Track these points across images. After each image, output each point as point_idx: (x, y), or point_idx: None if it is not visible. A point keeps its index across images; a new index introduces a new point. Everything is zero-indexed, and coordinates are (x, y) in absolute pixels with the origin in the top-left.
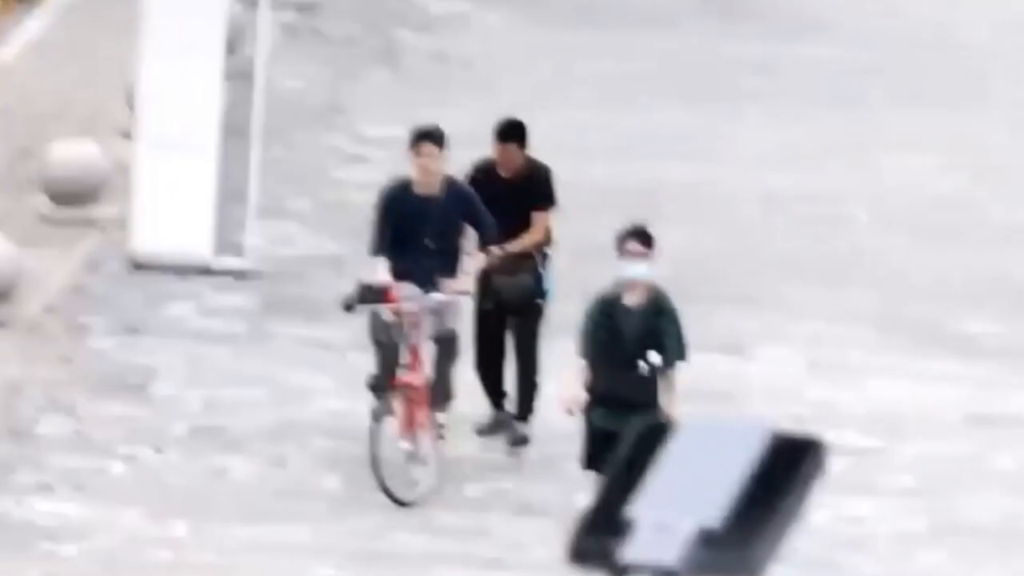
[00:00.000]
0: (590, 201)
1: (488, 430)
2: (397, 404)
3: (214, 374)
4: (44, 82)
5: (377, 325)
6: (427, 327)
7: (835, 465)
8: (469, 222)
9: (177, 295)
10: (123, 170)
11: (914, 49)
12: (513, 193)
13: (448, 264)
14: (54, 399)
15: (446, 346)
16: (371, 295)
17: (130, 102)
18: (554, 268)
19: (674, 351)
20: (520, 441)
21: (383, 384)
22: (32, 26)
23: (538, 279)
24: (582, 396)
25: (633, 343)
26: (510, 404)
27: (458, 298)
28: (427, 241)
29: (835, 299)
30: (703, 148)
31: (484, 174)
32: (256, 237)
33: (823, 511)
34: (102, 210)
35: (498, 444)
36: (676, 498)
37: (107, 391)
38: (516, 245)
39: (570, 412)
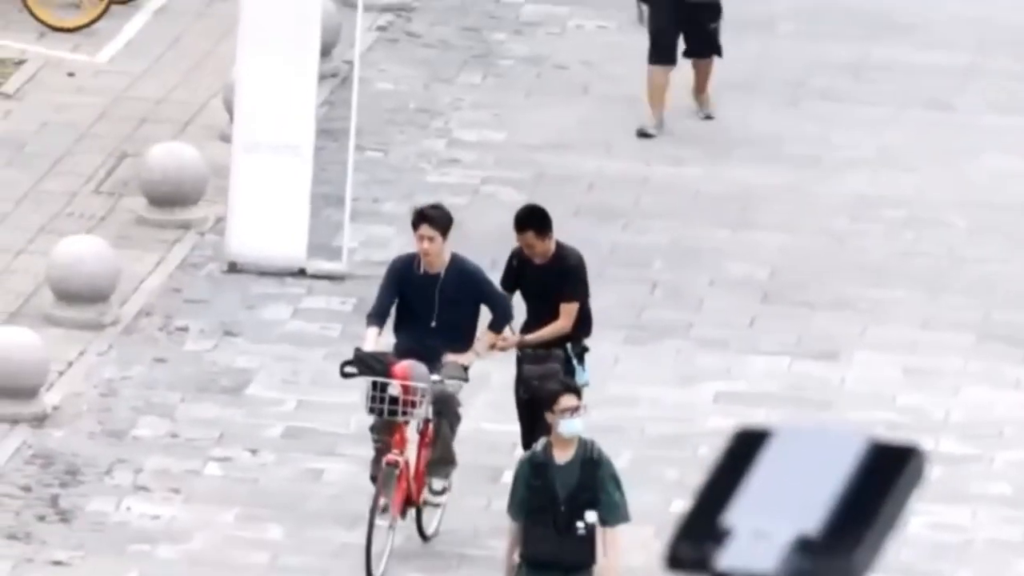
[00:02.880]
0: (682, 205)
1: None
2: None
3: (309, 376)
4: (141, 85)
5: (377, 398)
6: (426, 408)
7: (932, 473)
8: (481, 302)
9: (272, 298)
10: (219, 172)
11: (1010, 51)
12: (543, 280)
13: (454, 343)
14: (150, 401)
15: (446, 408)
16: (375, 366)
17: (227, 104)
18: (588, 362)
19: (615, 511)
20: None
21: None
22: (129, 28)
23: (569, 371)
24: (515, 563)
25: (568, 502)
26: None
27: (460, 370)
28: (430, 320)
29: (931, 305)
30: (796, 152)
31: (519, 260)
32: (351, 240)
33: (920, 519)
34: (198, 212)
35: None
36: (774, 505)
37: (203, 393)
38: (535, 335)
39: None
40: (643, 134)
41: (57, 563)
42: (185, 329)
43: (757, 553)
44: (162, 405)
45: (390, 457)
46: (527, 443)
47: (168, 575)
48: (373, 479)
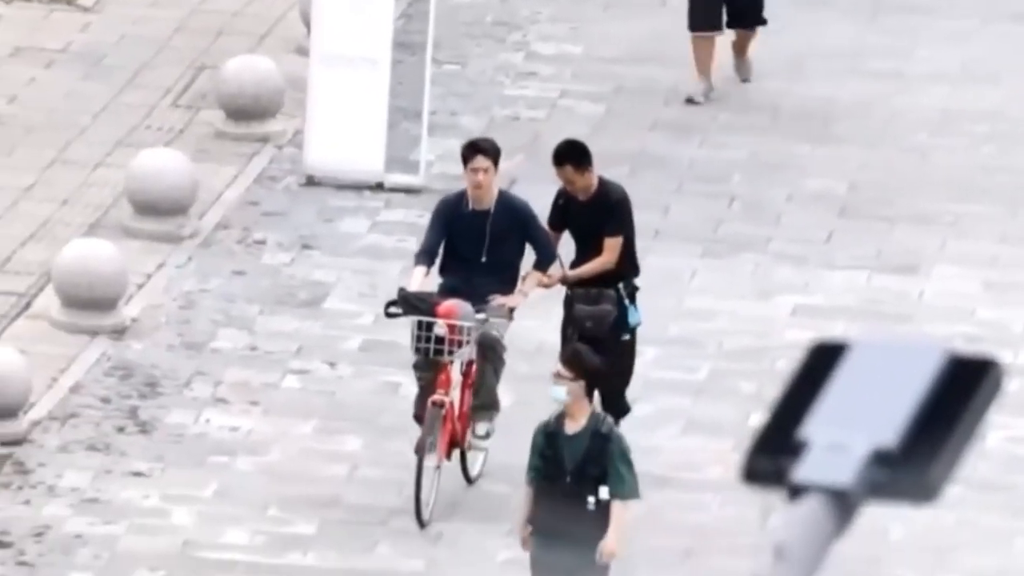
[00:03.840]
0: (760, 120)
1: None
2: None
3: (386, 290)
4: None
5: (422, 338)
6: (471, 348)
7: (1010, 386)
8: (525, 239)
9: (349, 211)
10: (297, 85)
11: None
12: (587, 217)
13: (502, 281)
14: (228, 313)
15: (491, 352)
16: (420, 305)
17: (304, 17)
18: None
19: (622, 485)
20: None
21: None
22: None
23: (622, 312)
24: (526, 531)
25: (575, 474)
26: None
27: (506, 311)
28: (479, 257)
29: (1012, 220)
30: (877, 65)
31: (564, 198)
32: (428, 153)
33: (997, 432)
34: (276, 125)
35: (672, 357)
36: (851, 418)
37: (281, 306)
38: (579, 271)
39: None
40: (690, 101)
41: (137, 474)
42: (263, 242)
43: (834, 466)
44: (240, 318)
45: (436, 398)
46: None
47: (246, 487)
48: (418, 419)
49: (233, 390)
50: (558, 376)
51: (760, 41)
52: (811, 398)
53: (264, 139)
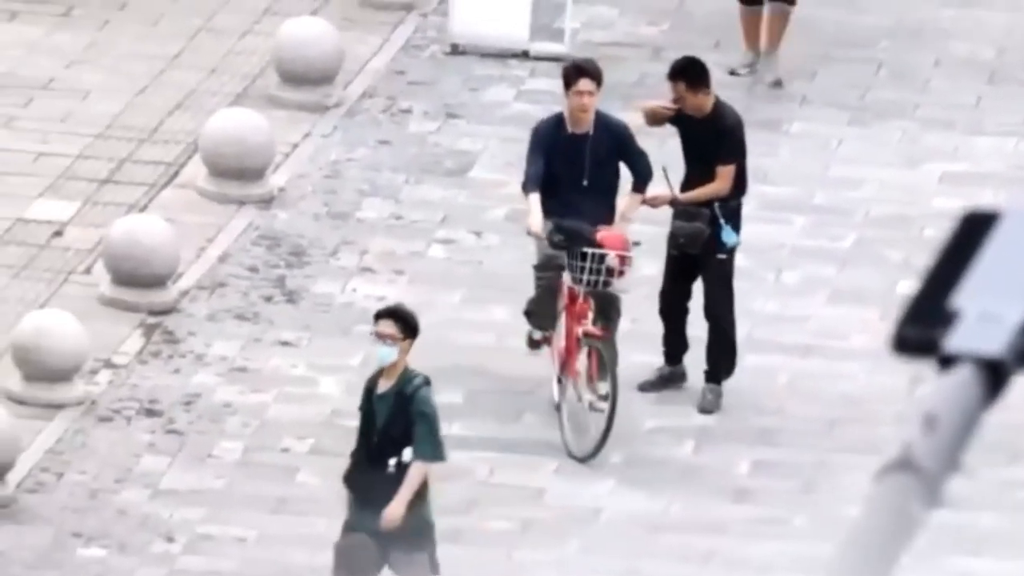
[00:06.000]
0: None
1: (651, 386)
2: (582, 358)
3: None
4: None
5: (592, 269)
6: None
7: None
8: (622, 160)
9: (495, 79)
10: None
11: None
12: (700, 138)
13: (603, 205)
14: (374, 182)
15: (613, 311)
16: (582, 235)
17: None
18: (740, 222)
19: (423, 448)
20: (708, 410)
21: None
22: None
23: (717, 231)
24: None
25: (382, 434)
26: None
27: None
28: (581, 181)
29: None
30: None
31: (679, 115)
32: (573, 20)
33: None
34: None
35: (819, 226)
36: (1003, 287)
37: (426, 175)
38: (688, 195)
39: None
40: (733, 72)
41: (284, 343)
42: (408, 111)
43: (986, 335)
44: (386, 187)
45: (589, 330)
46: (662, 306)
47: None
48: (534, 344)
49: (379, 259)
50: (382, 335)
51: None
52: (962, 268)
53: (409, 7)
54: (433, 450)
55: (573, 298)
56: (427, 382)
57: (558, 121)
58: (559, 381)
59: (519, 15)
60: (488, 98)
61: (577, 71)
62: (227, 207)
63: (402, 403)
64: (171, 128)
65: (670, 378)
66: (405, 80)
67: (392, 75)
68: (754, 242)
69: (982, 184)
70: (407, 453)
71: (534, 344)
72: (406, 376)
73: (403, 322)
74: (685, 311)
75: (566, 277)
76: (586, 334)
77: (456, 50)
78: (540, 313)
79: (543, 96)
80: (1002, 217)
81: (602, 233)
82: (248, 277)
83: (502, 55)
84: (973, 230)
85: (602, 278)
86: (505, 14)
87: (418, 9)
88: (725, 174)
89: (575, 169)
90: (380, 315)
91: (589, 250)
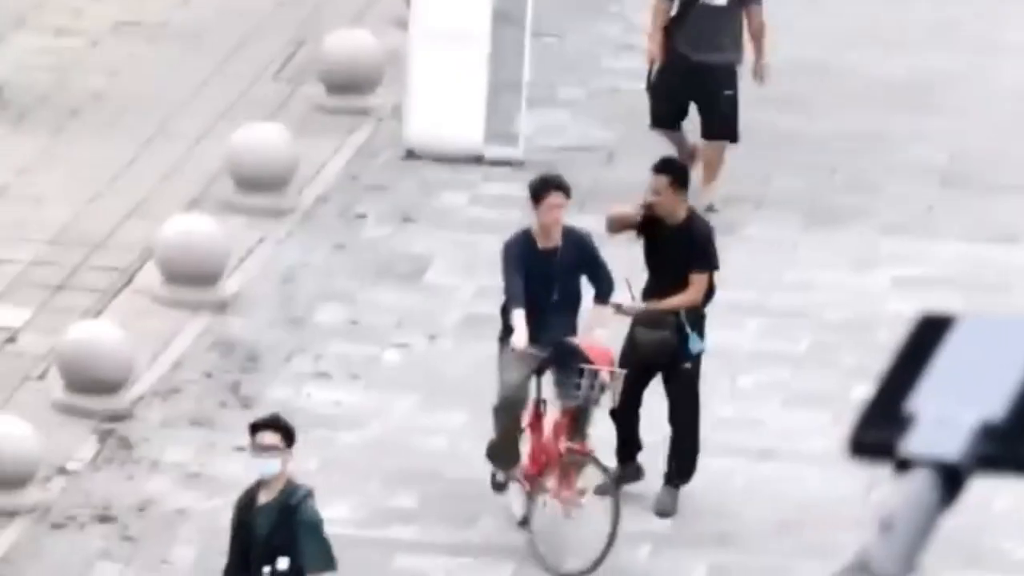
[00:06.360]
0: (855, 90)
1: (603, 489)
2: (551, 480)
3: (487, 263)
4: None
5: (588, 386)
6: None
7: None
8: (586, 271)
9: (450, 184)
10: (397, 59)
11: None
12: (670, 246)
13: (570, 317)
14: (329, 287)
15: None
16: (568, 353)
17: None
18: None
19: (318, 562)
20: (666, 513)
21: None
22: None
23: (683, 339)
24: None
25: (263, 545)
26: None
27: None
28: (551, 296)
29: None
30: (972, 37)
31: (648, 220)
32: (528, 126)
33: None
34: (376, 99)
35: (773, 329)
36: (958, 391)
37: (381, 279)
38: (659, 305)
39: None
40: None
41: (239, 449)
42: (363, 216)
43: (942, 439)
44: (341, 292)
45: (575, 447)
46: (621, 405)
47: (349, 461)
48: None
49: (334, 364)
50: (265, 448)
51: (852, 12)
52: (918, 372)
53: (364, 113)
54: (325, 561)
55: (539, 415)
56: (310, 494)
57: (527, 237)
58: (528, 496)
59: (473, 120)
60: (443, 202)
61: (546, 185)
62: (181, 313)
63: (287, 514)
64: (125, 234)
65: (624, 477)
66: (360, 185)
67: (347, 180)
68: (709, 346)
69: (936, 288)
70: (282, 562)
71: (498, 487)
72: (290, 487)
73: (284, 431)
74: (638, 416)
75: (550, 393)
76: (570, 451)
77: (411, 155)
78: (504, 457)
79: (497, 200)
80: (956, 321)
81: (591, 348)
82: (202, 383)
83: (456, 160)
84: (928, 334)
85: (595, 394)
86: (459, 119)
87: (373, 114)
88: (699, 283)
89: (547, 284)
90: (259, 426)
91: (587, 367)
